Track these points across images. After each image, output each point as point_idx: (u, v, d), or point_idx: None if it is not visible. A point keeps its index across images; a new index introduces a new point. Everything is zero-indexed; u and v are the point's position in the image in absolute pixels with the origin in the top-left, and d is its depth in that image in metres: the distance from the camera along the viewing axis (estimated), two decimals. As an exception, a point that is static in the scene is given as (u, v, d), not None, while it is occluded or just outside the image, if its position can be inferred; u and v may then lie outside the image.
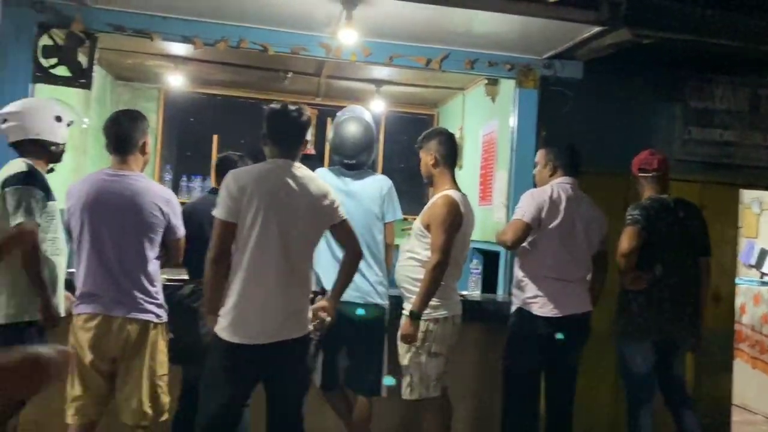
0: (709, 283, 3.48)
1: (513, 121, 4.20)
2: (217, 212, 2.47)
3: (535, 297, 3.19)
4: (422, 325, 3.03)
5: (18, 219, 2.60)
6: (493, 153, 4.61)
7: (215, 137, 6.08)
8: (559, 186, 3.28)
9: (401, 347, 3.10)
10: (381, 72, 5.00)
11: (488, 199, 4.66)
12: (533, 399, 3.27)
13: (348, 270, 2.69)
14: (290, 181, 2.49)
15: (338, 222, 2.59)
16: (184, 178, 6.11)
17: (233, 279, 2.46)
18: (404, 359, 3.08)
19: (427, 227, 3.06)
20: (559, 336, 3.16)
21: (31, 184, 2.68)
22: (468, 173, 5.17)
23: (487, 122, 4.82)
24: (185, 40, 3.81)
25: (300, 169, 2.55)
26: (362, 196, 3.24)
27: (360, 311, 3.17)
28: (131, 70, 5.57)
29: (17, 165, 2.75)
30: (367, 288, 3.17)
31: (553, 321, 3.16)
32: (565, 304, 3.18)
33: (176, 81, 5.55)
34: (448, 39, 3.95)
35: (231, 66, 5.15)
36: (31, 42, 3.64)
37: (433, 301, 3.03)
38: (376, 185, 3.29)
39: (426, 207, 3.16)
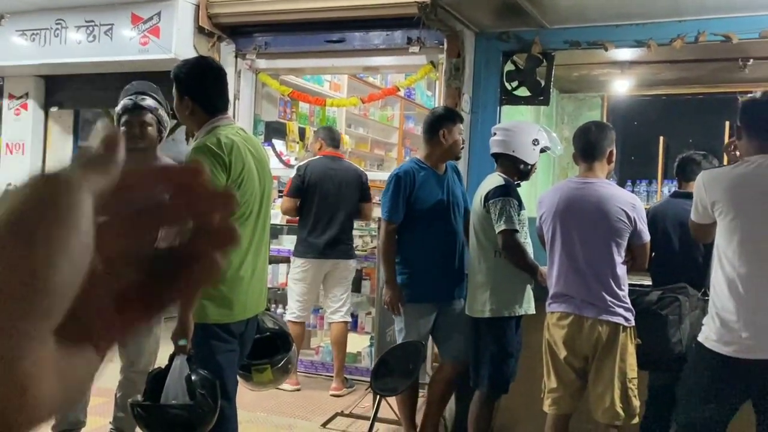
0: None
1: None
2: (692, 214, 2.38)
3: None
4: None
5: (501, 226, 2.99)
6: None
7: (661, 139, 5.86)
8: None
9: None
10: None
11: None
12: None
13: None
14: None
15: None
16: (629, 183, 6.05)
17: (718, 288, 2.33)
18: None
19: None
20: None
21: (509, 195, 3.05)
22: None
23: None
24: (638, 44, 3.79)
25: None
26: None
27: None
28: (576, 81, 5.78)
29: (496, 179, 3.15)
30: None
31: None
32: None
33: (621, 86, 5.55)
34: None
35: (680, 63, 4.89)
36: (498, 69, 4.11)
37: None
38: None
39: None
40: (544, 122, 5.69)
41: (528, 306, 3.15)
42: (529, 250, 3.17)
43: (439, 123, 3.32)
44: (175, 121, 3.15)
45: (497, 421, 3.70)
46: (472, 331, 3.21)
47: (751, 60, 4.69)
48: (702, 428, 2.37)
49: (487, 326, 3.13)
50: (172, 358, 2.25)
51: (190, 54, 4.68)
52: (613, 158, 2.95)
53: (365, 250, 5.30)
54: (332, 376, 4.69)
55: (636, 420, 2.83)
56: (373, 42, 4.85)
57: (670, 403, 2.66)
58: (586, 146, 2.90)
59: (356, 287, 4.94)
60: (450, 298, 3.32)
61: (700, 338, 2.39)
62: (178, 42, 4.89)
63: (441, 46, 4.37)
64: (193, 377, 2.21)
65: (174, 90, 2.41)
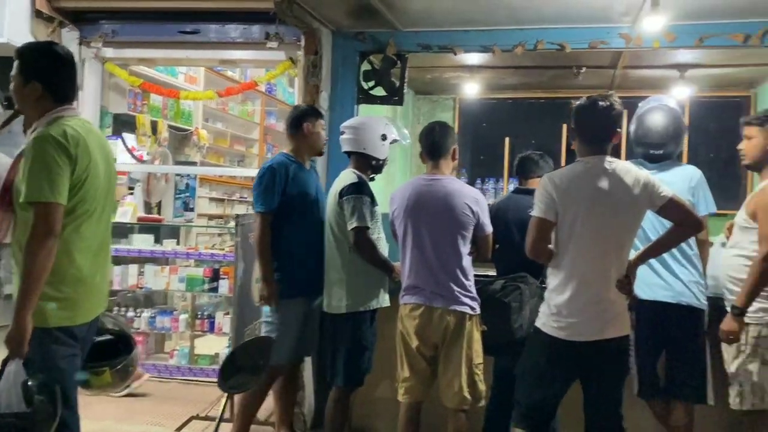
0: None
1: None
2: (534, 211, 2.57)
3: None
4: (753, 330, 2.76)
5: (353, 224, 3.05)
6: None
7: (507, 140, 6.27)
8: None
9: (727, 352, 2.86)
10: (685, 56, 4.64)
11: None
12: None
13: (672, 238, 2.59)
14: (604, 179, 2.48)
15: (664, 203, 2.48)
16: (479, 181, 6.41)
17: (555, 278, 2.54)
18: (731, 366, 2.84)
19: (754, 216, 2.78)
20: None
21: (362, 192, 3.12)
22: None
23: (823, 99, 4.15)
24: (484, 49, 4.03)
25: (614, 164, 2.52)
26: (669, 189, 3.06)
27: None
28: (430, 84, 6.04)
29: (349, 176, 3.21)
30: (679, 288, 2.97)
31: None
32: None
33: (470, 89, 5.85)
34: (769, 9, 3.52)
35: (523, 69, 5.26)
36: (355, 68, 4.19)
37: (766, 303, 2.74)
38: (685, 176, 3.07)
39: (752, 195, 2.88)
40: (400, 121, 5.87)
41: (383, 299, 3.24)
42: (383, 245, 3.26)
43: (303, 117, 3.36)
44: (10, 112, 2.88)
45: (356, 412, 3.78)
46: (329, 326, 3.25)
47: (584, 68, 5.17)
48: (538, 406, 2.58)
49: (343, 322, 3.17)
50: (5, 364, 2.08)
51: (25, 40, 4.29)
52: (457, 156, 3.11)
53: (223, 249, 5.19)
54: (188, 380, 4.55)
55: (482, 403, 3.01)
56: (229, 35, 4.74)
57: (514, 386, 2.85)
58: (432, 145, 3.04)
59: (213, 287, 4.82)
60: (318, 293, 3.30)
61: (537, 324, 2.60)
62: (11, 26, 4.48)
63: (299, 43, 4.37)
64: (29, 383, 2.05)
65: (17, 73, 2.22)
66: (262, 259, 3.24)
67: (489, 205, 3.20)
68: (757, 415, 2.82)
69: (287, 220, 3.24)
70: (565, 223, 2.49)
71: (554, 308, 2.51)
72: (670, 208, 2.48)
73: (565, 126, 6.21)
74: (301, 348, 3.35)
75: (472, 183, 6.43)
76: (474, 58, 4.75)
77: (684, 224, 2.52)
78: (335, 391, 3.22)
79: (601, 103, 2.52)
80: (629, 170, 2.51)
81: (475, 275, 3.38)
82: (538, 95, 6.17)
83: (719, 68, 4.99)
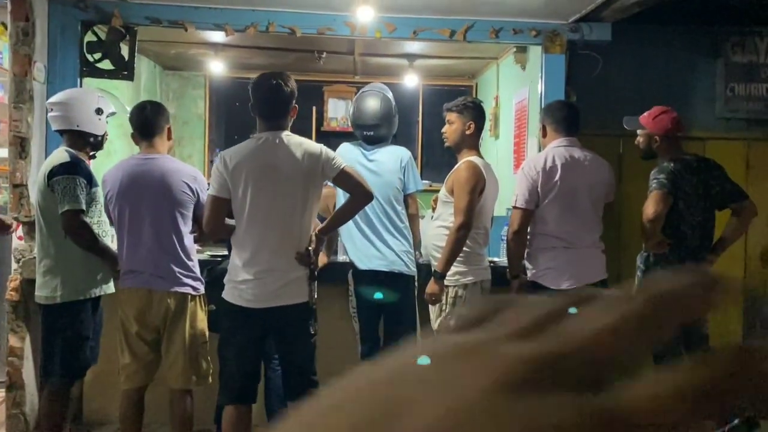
0: (746, 224, 3.31)
1: (541, 87, 4.20)
2: (210, 189, 2.63)
3: (546, 269, 3.13)
4: (451, 291, 3.13)
5: (65, 207, 2.84)
6: (524, 121, 4.61)
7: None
8: (554, 151, 3.15)
9: (432, 312, 3.22)
10: (412, 46, 5.04)
11: (522, 167, 4.67)
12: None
13: (347, 209, 2.78)
14: (276, 153, 2.59)
15: (336, 174, 2.64)
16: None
17: (233, 250, 2.66)
18: (434, 324, 3.20)
19: (451, 191, 3.15)
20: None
21: (75, 173, 2.90)
22: (504, 143, 5.18)
23: (518, 90, 4.82)
24: (217, 27, 3.98)
25: (287, 138, 2.63)
26: (383, 169, 3.33)
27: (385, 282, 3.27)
28: (177, 59, 5.81)
29: (60, 155, 2.98)
30: (392, 257, 3.27)
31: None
32: (578, 273, 3.09)
33: (218, 68, 5.75)
34: (472, 9, 3.97)
35: (267, 50, 5.30)
36: (77, 39, 3.88)
37: (461, 267, 3.12)
38: (396, 157, 3.37)
39: (450, 174, 3.24)
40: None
41: (106, 286, 3.08)
42: (108, 228, 3.09)
43: None
44: None
45: (91, 404, 3.58)
46: (43, 318, 3.02)
47: (324, 53, 5.36)
48: (238, 375, 2.68)
49: (58, 312, 2.96)
50: None
51: None
52: (173, 135, 3.06)
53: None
54: None
55: (209, 380, 3.03)
56: None
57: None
58: (144, 124, 2.96)
59: None
60: None
61: (223, 294, 2.69)
62: None
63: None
64: None
65: None
66: None
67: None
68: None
69: None
70: (237, 197, 2.59)
71: (233, 277, 2.61)
72: (343, 178, 2.68)
73: (314, 108, 6.43)
74: None
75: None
76: (215, 36, 4.68)
77: (355, 193, 2.72)
78: (50, 386, 3.01)
79: (270, 81, 2.65)
80: (301, 144, 2.65)
81: (212, 255, 3.40)
82: (287, 77, 6.25)
83: (443, 59, 5.51)
